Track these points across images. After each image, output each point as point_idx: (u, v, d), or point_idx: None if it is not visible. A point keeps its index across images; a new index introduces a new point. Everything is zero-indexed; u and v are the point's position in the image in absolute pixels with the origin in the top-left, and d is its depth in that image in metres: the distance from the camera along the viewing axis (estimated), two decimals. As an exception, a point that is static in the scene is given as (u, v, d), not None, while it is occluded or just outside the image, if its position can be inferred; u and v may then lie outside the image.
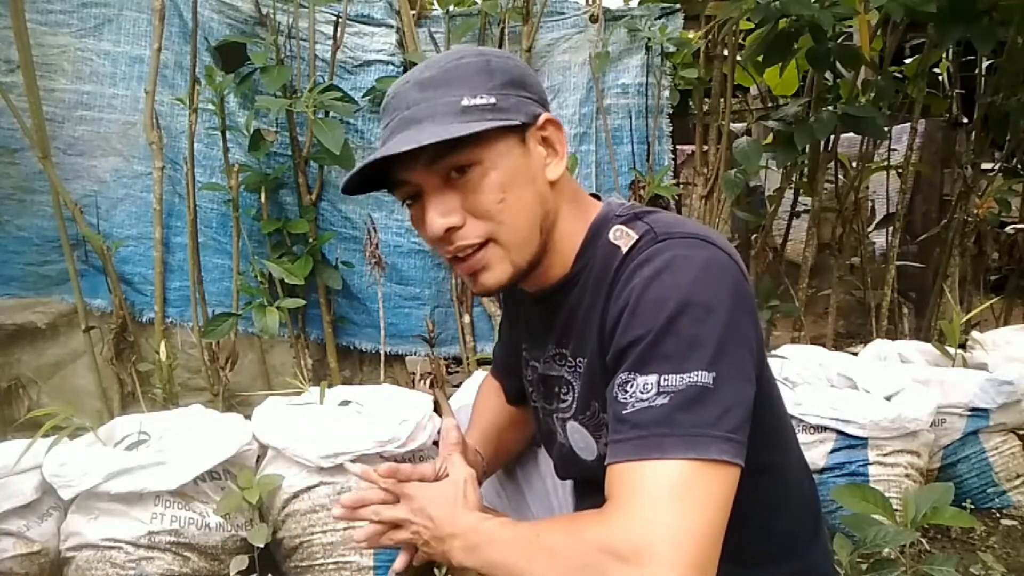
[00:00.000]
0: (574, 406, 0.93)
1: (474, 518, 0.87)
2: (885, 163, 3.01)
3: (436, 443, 1.70)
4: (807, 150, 2.58)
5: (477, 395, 1.26)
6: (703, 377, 0.71)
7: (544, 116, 0.85)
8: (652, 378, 0.72)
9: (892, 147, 3.07)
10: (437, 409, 2.10)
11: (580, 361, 0.90)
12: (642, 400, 0.72)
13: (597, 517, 0.73)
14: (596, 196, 0.96)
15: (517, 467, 1.26)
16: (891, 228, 2.80)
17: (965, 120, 3.11)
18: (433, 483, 0.95)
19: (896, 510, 1.42)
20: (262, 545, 1.61)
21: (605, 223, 0.88)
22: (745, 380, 0.75)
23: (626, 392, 0.74)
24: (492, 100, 0.81)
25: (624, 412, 0.73)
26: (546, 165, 0.86)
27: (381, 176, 0.84)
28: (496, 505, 1.27)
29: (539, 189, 0.84)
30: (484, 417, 1.19)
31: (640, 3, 2.67)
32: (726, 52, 2.61)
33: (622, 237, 0.84)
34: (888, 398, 1.88)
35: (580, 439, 0.94)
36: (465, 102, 0.80)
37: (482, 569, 0.80)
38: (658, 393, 0.72)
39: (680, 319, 0.73)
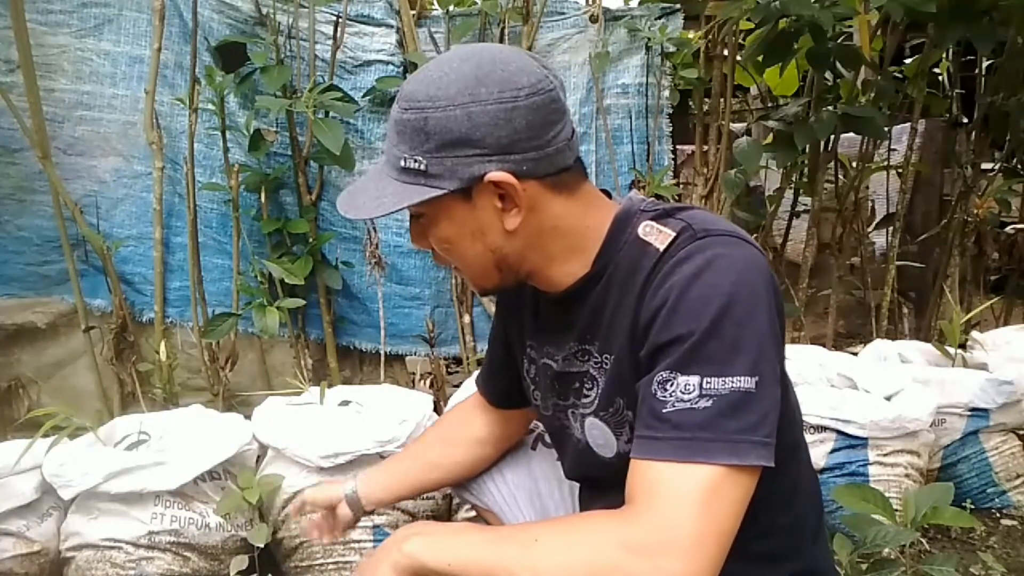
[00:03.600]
0: (596, 402, 0.91)
1: (435, 522, 0.88)
2: (885, 163, 3.01)
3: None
4: (807, 150, 2.58)
5: (446, 416, 1.33)
6: (746, 382, 0.72)
7: (489, 177, 0.79)
8: (694, 379, 0.73)
9: (892, 147, 3.07)
10: (437, 409, 2.10)
11: (607, 357, 0.88)
12: (683, 401, 0.72)
13: (620, 514, 0.73)
14: (606, 193, 0.94)
15: (506, 470, 1.25)
16: (891, 228, 2.80)
17: (965, 120, 3.11)
18: None
19: (896, 510, 1.42)
20: (262, 545, 1.61)
21: (628, 218, 0.87)
22: (776, 382, 0.76)
23: (666, 391, 0.74)
24: (423, 165, 0.80)
25: (664, 411, 0.73)
26: (504, 215, 0.82)
27: None
28: (491, 506, 1.26)
29: (489, 240, 0.85)
30: (411, 447, 1.31)
31: (640, 3, 2.67)
32: (726, 52, 2.60)
33: (654, 234, 0.83)
34: (888, 398, 1.88)
35: (600, 435, 0.92)
36: (403, 163, 0.81)
37: (452, 568, 0.75)
38: (701, 395, 0.72)
39: (723, 320, 0.73)
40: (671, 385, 0.73)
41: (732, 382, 0.72)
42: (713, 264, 0.76)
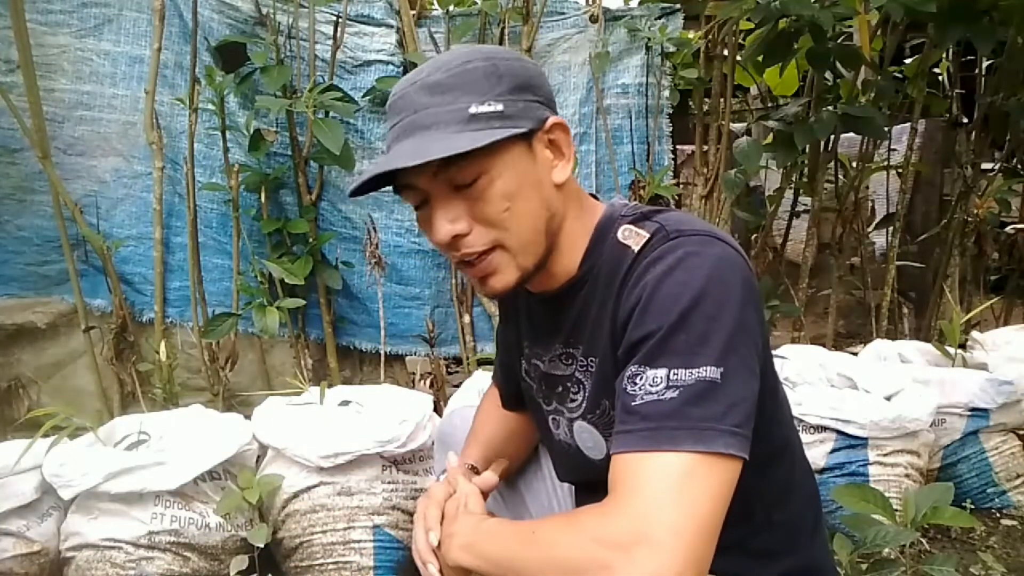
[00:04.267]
0: (584, 405, 0.93)
1: (472, 518, 0.89)
2: (885, 163, 3.01)
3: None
4: (807, 150, 2.58)
5: (479, 406, 1.26)
6: (711, 372, 0.73)
7: (552, 120, 0.84)
8: (662, 372, 0.74)
9: (892, 147, 3.07)
10: (437, 409, 2.11)
11: (592, 360, 0.90)
12: (651, 393, 0.73)
13: (596, 510, 0.74)
14: (594, 196, 0.97)
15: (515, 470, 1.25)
16: (891, 228, 2.80)
17: (965, 120, 3.11)
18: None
19: (896, 510, 1.42)
20: (262, 545, 1.61)
21: (611, 223, 0.89)
22: (751, 375, 0.76)
23: (635, 384, 0.75)
24: (499, 107, 0.80)
25: (633, 404, 0.74)
26: (552, 168, 0.86)
27: (388, 176, 0.83)
28: (493, 508, 1.27)
29: (544, 194, 0.85)
30: (483, 431, 1.19)
31: (640, 3, 2.67)
32: (726, 52, 2.60)
33: (631, 236, 0.85)
34: (888, 398, 1.88)
35: (589, 438, 0.94)
36: (472, 109, 0.79)
37: (479, 567, 0.82)
38: (667, 387, 0.73)
39: (691, 315, 0.74)
40: (640, 379, 0.75)
41: (698, 372, 0.73)
42: (684, 262, 0.77)
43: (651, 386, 0.74)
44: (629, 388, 0.75)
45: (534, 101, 0.83)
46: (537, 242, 0.85)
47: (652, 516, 0.68)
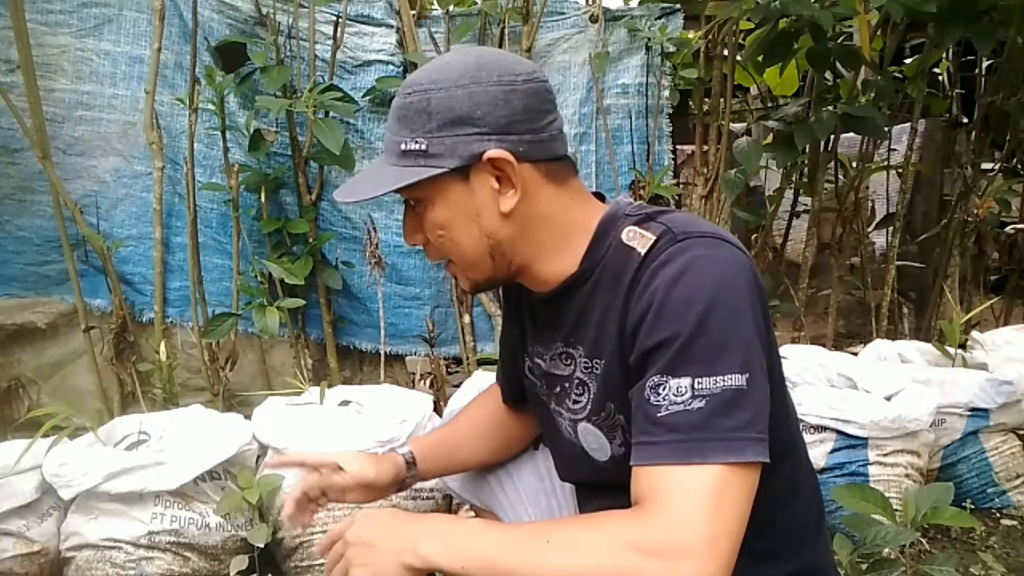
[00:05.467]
0: (588, 407, 0.92)
1: (443, 516, 0.88)
2: (885, 163, 3.01)
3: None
4: (807, 150, 2.58)
5: (472, 400, 1.28)
6: (737, 380, 0.73)
7: (488, 154, 0.82)
8: (685, 381, 0.73)
9: (892, 147, 3.07)
10: (437, 409, 2.10)
11: (597, 362, 0.89)
12: (676, 403, 0.73)
13: (630, 517, 0.73)
14: (600, 196, 0.96)
15: (512, 468, 1.25)
16: (891, 228, 2.80)
17: (965, 120, 3.11)
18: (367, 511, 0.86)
19: (896, 510, 1.42)
20: (262, 545, 1.61)
21: (614, 222, 0.88)
22: (766, 377, 0.77)
23: (659, 395, 0.74)
24: (423, 146, 0.83)
25: (658, 415, 0.74)
26: (501, 196, 0.85)
27: None
28: (493, 506, 1.27)
29: (485, 223, 0.86)
30: (449, 425, 1.25)
31: (640, 3, 2.67)
32: (726, 52, 2.60)
33: (636, 238, 0.84)
34: (888, 398, 1.88)
35: (593, 440, 0.93)
36: (403, 146, 0.84)
37: (467, 570, 0.74)
38: (693, 396, 0.73)
39: (708, 321, 0.74)
40: (663, 389, 0.74)
41: (723, 380, 0.72)
42: (694, 265, 0.77)
43: (675, 396, 0.73)
44: (652, 399, 0.75)
45: (470, 134, 0.81)
46: (480, 264, 0.89)
47: (691, 526, 0.68)
